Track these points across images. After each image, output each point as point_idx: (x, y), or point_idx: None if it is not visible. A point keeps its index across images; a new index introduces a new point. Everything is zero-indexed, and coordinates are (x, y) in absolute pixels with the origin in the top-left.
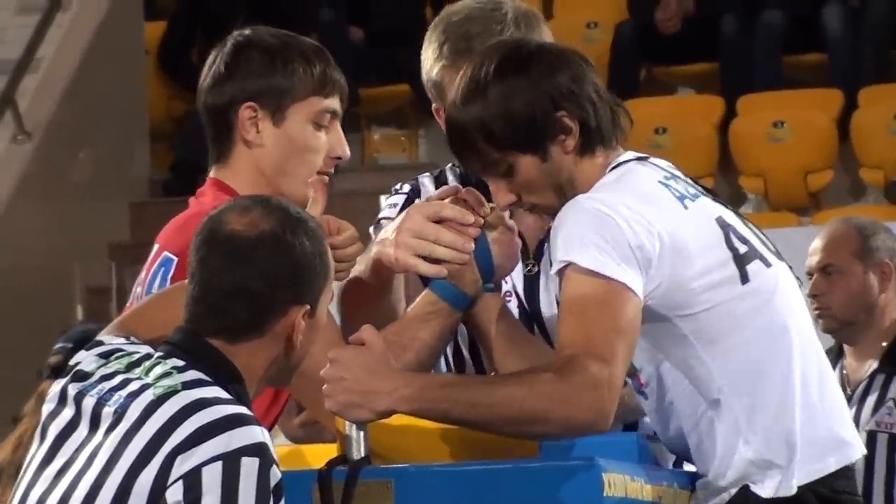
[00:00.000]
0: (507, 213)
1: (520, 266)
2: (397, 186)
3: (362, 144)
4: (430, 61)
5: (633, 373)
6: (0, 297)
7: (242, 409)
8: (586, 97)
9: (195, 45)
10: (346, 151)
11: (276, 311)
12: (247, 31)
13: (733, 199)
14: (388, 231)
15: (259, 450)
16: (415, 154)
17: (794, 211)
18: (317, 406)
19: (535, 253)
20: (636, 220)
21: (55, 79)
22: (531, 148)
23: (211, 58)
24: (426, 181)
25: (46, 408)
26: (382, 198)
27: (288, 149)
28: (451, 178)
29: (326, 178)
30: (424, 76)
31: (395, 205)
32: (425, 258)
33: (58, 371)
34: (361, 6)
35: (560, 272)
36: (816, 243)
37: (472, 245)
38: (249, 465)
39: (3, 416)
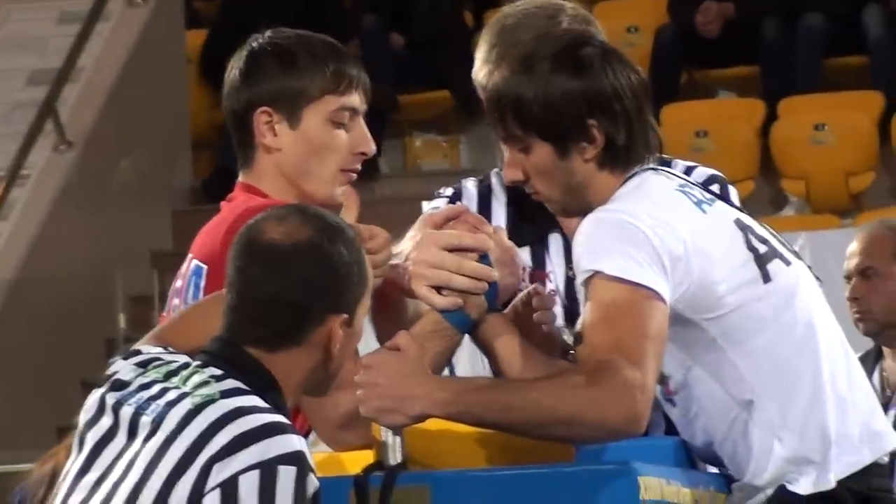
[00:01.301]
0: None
1: (563, 268)
2: (440, 190)
3: (404, 151)
4: (479, 62)
5: (662, 380)
6: (43, 306)
7: (279, 418)
8: (623, 115)
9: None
10: (371, 147)
11: (314, 320)
12: (263, 35)
13: (775, 202)
14: (400, 255)
15: (296, 458)
16: (457, 160)
17: (836, 213)
18: (315, 418)
19: None
20: (659, 226)
21: (97, 88)
22: (552, 140)
23: (230, 64)
24: (469, 185)
25: (84, 416)
26: (424, 203)
27: (306, 150)
28: (495, 181)
29: (353, 175)
30: (473, 75)
31: (436, 208)
32: (440, 288)
33: None
34: (403, 13)
35: (586, 282)
36: (854, 246)
37: (496, 274)
38: (286, 474)
39: (47, 426)
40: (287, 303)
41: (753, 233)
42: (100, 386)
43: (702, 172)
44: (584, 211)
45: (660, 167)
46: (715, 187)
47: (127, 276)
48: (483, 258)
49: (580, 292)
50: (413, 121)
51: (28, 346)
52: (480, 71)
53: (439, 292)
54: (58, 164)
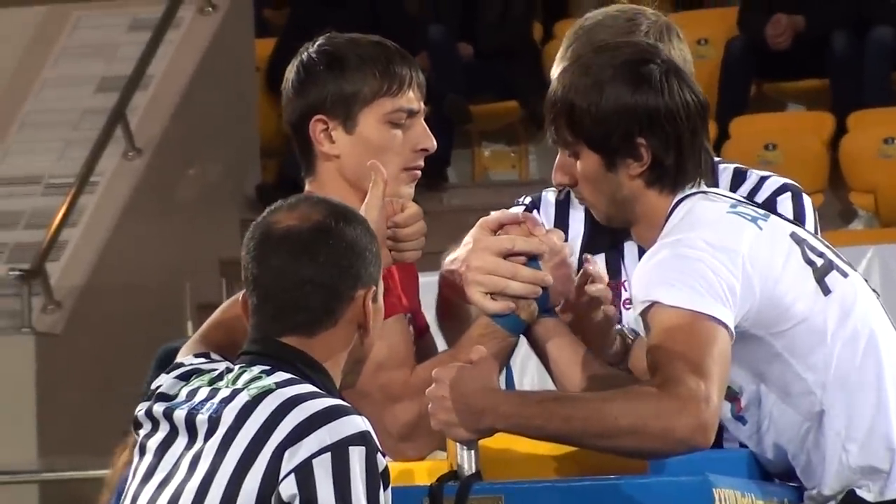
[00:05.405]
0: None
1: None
2: (519, 199)
3: (473, 161)
4: (556, 60)
5: (734, 396)
6: (111, 314)
7: (339, 401)
8: (675, 136)
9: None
10: (432, 143)
11: (344, 297)
12: (314, 43)
13: (844, 216)
14: (457, 260)
15: (363, 438)
16: (525, 170)
17: None
18: (375, 429)
19: None
20: (715, 251)
21: (166, 95)
22: (600, 151)
23: (285, 75)
24: (549, 195)
25: (142, 431)
26: (493, 213)
27: (365, 154)
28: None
29: (418, 173)
30: (552, 74)
31: None
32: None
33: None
34: (470, 23)
35: (643, 313)
36: None
37: (551, 279)
38: (357, 454)
39: (114, 433)
40: (316, 284)
41: (809, 246)
42: (147, 400)
43: (775, 182)
44: (626, 223)
45: (709, 190)
46: (787, 196)
47: (195, 284)
48: (532, 262)
49: (638, 323)
50: (482, 131)
51: (96, 353)
52: (557, 69)
53: (491, 297)
54: (127, 172)
